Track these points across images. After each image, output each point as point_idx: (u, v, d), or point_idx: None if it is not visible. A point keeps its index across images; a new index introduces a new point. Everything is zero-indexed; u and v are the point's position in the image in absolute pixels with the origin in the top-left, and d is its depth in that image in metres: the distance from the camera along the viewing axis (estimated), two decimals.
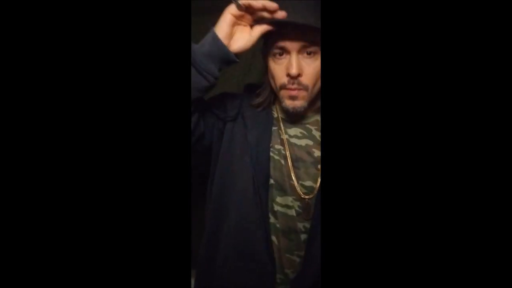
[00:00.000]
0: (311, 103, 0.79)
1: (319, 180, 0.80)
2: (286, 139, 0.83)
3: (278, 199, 0.81)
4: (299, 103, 0.77)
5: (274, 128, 0.84)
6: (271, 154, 0.82)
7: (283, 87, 0.77)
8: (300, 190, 0.80)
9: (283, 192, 0.81)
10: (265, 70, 0.83)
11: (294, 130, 0.83)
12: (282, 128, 0.84)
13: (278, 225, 0.81)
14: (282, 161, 0.82)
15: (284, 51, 0.75)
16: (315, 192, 0.80)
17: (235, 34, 0.73)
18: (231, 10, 0.71)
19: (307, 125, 0.83)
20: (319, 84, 0.78)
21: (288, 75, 0.75)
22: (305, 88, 0.76)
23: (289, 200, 0.81)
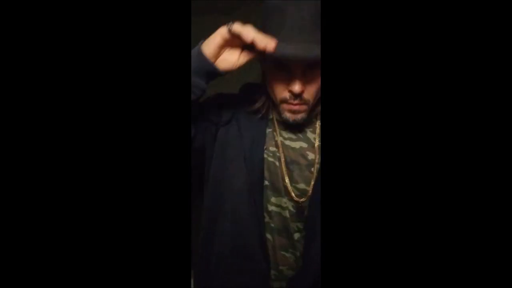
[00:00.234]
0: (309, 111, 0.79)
1: (312, 182, 0.80)
2: (281, 141, 0.83)
3: (273, 200, 0.82)
4: (300, 116, 0.77)
5: (268, 130, 0.84)
6: (266, 156, 0.82)
7: (284, 101, 0.76)
8: (294, 192, 0.81)
9: (278, 193, 0.82)
10: (263, 78, 0.82)
11: (288, 133, 0.84)
12: (277, 130, 0.84)
13: (272, 225, 0.82)
14: (277, 163, 0.82)
15: (286, 66, 0.73)
16: (308, 194, 0.80)
17: (223, 54, 0.72)
18: (222, 32, 0.69)
19: (302, 128, 0.84)
20: (319, 94, 0.77)
21: (290, 91, 0.74)
22: (307, 103, 0.76)
23: (283, 201, 0.82)
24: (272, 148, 0.83)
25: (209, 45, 0.70)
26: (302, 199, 0.81)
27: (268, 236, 0.82)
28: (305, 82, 0.74)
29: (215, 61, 0.71)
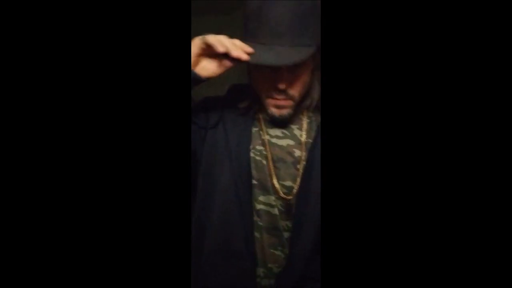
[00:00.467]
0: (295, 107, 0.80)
1: (298, 180, 0.81)
2: (268, 139, 0.83)
3: (261, 198, 0.82)
4: (285, 111, 0.79)
5: (255, 129, 0.85)
6: (253, 155, 0.83)
7: (269, 96, 0.78)
8: (281, 190, 0.81)
9: (266, 191, 0.82)
10: (249, 75, 0.83)
11: (275, 131, 0.84)
12: (264, 128, 0.84)
13: (260, 223, 0.82)
14: (264, 162, 0.82)
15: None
16: (294, 191, 0.80)
17: (202, 62, 0.74)
18: (196, 43, 0.71)
19: (289, 125, 0.84)
20: (305, 90, 0.79)
21: (275, 87, 0.75)
22: (292, 98, 0.77)
23: (271, 199, 0.82)
24: (259, 147, 0.83)
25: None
26: (290, 197, 0.81)
27: (257, 234, 0.82)
28: (290, 78, 0.75)
29: (194, 68, 0.73)
